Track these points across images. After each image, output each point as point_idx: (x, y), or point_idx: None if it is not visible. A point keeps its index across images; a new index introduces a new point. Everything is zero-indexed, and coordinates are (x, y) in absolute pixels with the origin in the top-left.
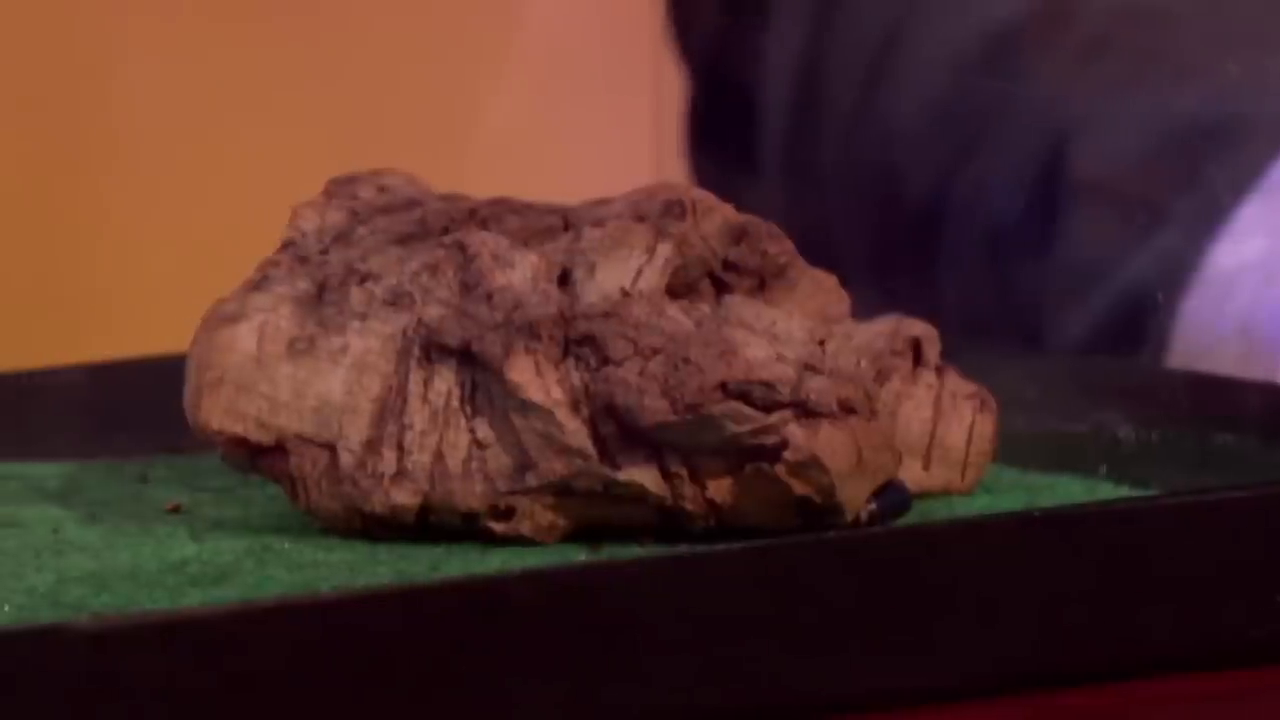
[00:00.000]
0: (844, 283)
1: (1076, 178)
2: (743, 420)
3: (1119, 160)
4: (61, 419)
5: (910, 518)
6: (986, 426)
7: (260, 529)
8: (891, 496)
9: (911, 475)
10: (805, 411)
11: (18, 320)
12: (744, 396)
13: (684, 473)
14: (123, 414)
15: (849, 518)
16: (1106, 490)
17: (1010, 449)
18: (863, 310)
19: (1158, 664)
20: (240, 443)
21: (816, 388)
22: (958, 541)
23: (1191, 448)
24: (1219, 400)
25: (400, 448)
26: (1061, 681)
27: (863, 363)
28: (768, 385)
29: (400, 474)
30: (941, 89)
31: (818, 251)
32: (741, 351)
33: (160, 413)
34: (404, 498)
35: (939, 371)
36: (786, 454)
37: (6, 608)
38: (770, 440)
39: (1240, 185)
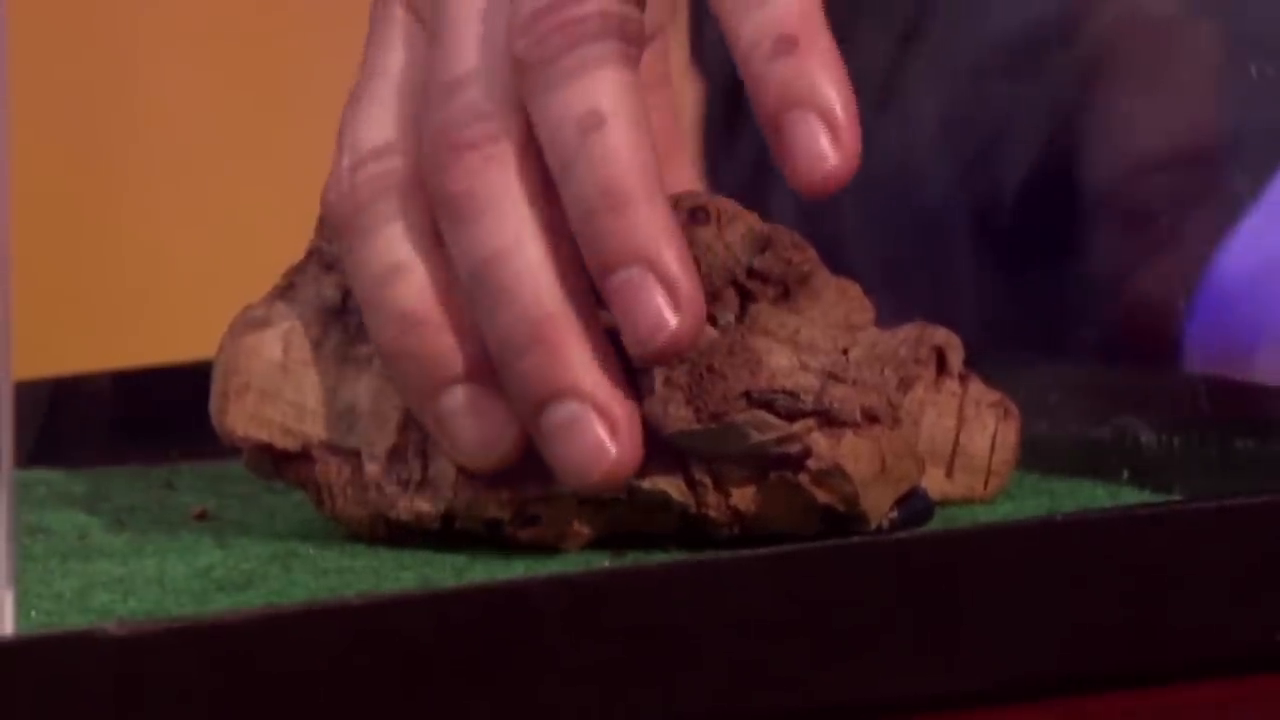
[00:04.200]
0: (865, 291)
1: (1092, 186)
2: (766, 429)
3: (1135, 168)
4: (88, 425)
5: (933, 525)
6: (1009, 435)
7: (285, 535)
8: (914, 505)
9: (934, 483)
10: (829, 420)
11: (45, 327)
12: (768, 405)
13: (708, 481)
14: (149, 420)
15: (872, 525)
16: (1129, 496)
17: (1033, 454)
18: (885, 318)
19: (1182, 670)
20: (265, 449)
21: (840, 396)
22: (981, 547)
23: (1214, 453)
24: (1241, 405)
25: (425, 455)
26: (1086, 688)
27: (886, 371)
28: (791, 394)
29: (425, 481)
30: (959, 98)
31: (835, 261)
32: (765, 360)
33: (186, 419)
34: (428, 505)
35: (962, 379)
36: (810, 462)
37: (34, 613)
38: (794, 449)
39: (1255, 191)
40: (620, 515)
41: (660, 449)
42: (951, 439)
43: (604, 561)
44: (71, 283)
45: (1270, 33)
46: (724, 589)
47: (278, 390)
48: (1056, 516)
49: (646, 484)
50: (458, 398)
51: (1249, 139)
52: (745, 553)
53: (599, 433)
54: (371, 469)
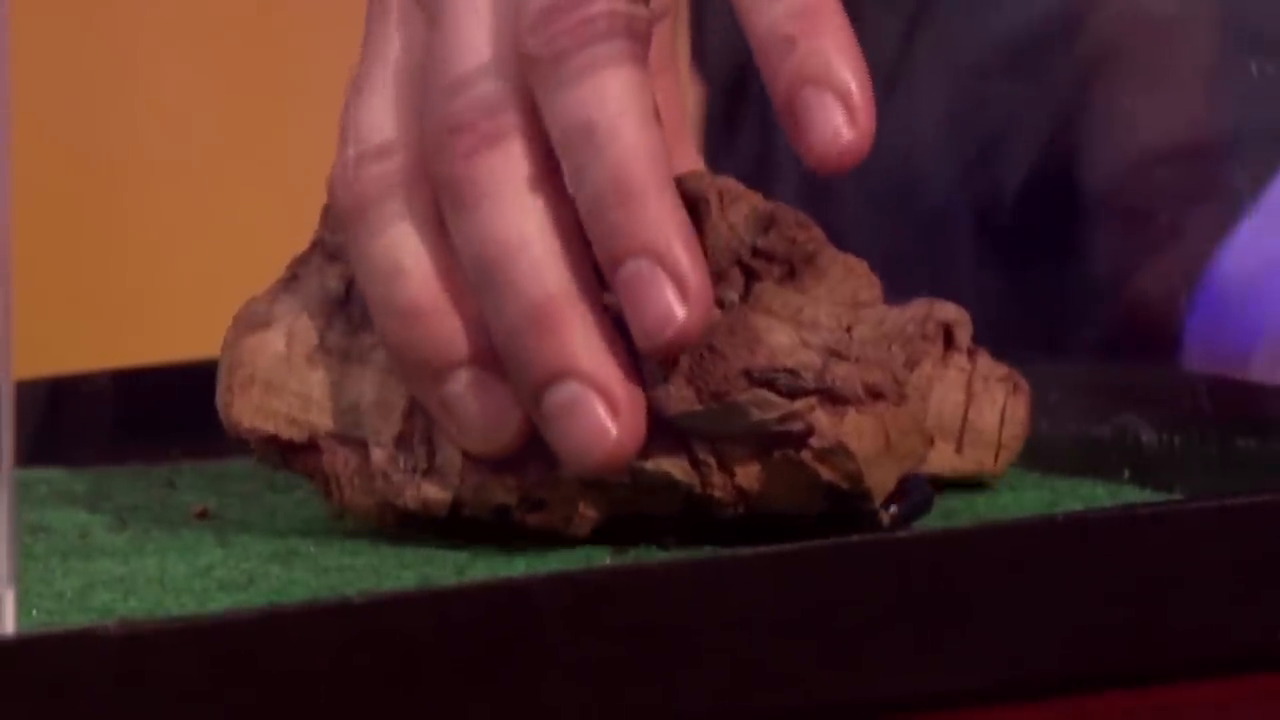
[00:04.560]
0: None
1: (1094, 184)
2: (768, 408)
3: (1136, 165)
4: (88, 425)
5: (934, 519)
6: (1019, 409)
7: (286, 533)
8: (914, 498)
9: (944, 458)
10: (831, 397)
11: (45, 327)
12: (769, 384)
13: (712, 461)
14: (149, 420)
15: (877, 503)
16: (1130, 494)
17: (1034, 453)
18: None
19: (1182, 670)
20: (272, 441)
21: (842, 374)
22: (981, 547)
23: (1214, 452)
24: (1241, 404)
25: (431, 443)
26: (1086, 688)
27: (893, 348)
28: (792, 372)
29: (431, 469)
30: (960, 93)
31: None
32: (766, 339)
33: (188, 418)
34: (435, 493)
35: (970, 355)
36: (812, 440)
37: (35, 612)
38: (796, 427)
39: (1255, 191)
40: (625, 497)
41: (663, 430)
42: (960, 414)
43: (605, 559)
44: (71, 283)
45: (1271, 32)
46: (725, 588)
47: (283, 382)
48: (1057, 516)
49: (650, 465)
50: (462, 383)
51: (1249, 138)
52: (746, 552)
53: (600, 414)
54: (378, 458)
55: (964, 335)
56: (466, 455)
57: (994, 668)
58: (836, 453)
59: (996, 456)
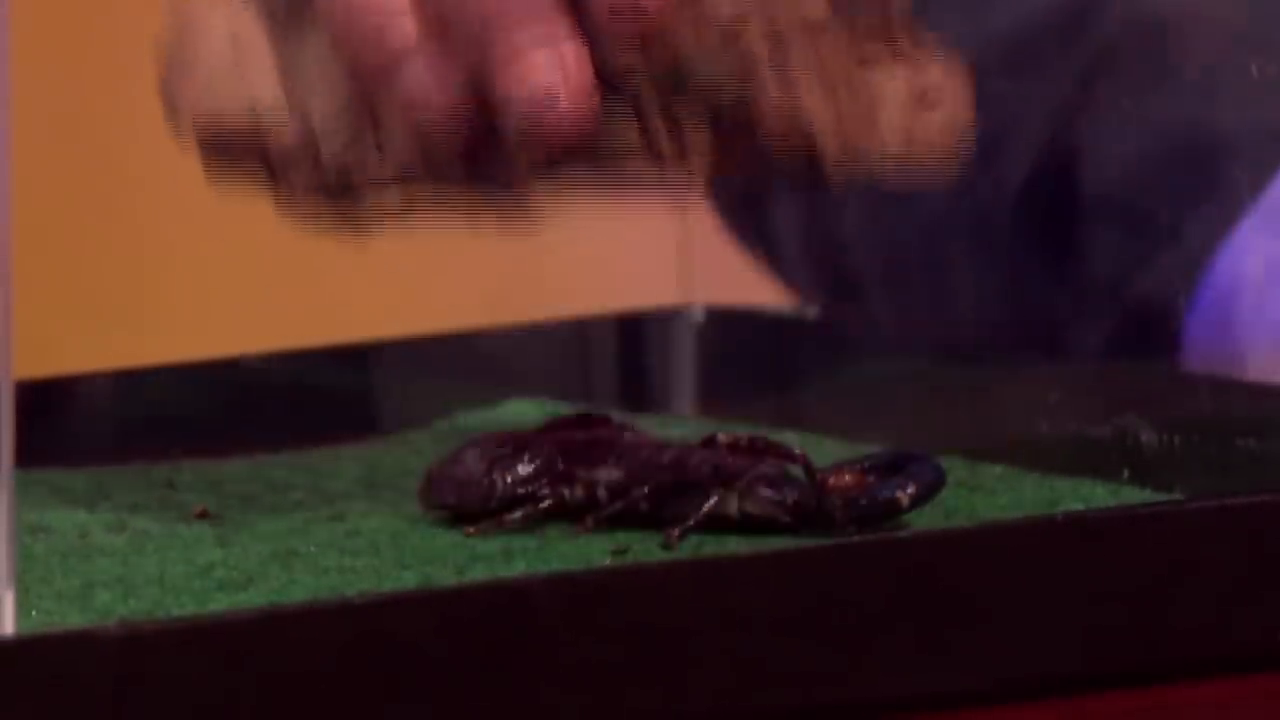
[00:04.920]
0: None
1: (1093, 184)
2: (717, 65)
3: (1131, 170)
4: (88, 425)
5: (934, 520)
6: (960, 90)
7: (286, 533)
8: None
9: (893, 140)
10: (782, 73)
11: (45, 327)
12: (720, 49)
13: (664, 129)
14: (149, 420)
15: (828, 176)
16: (1130, 495)
17: (1033, 454)
18: (887, 315)
19: (1182, 669)
20: (218, 130)
21: (791, 49)
22: (982, 546)
23: (1214, 452)
24: (1241, 404)
25: (378, 132)
26: (1086, 688)
27: (840, 44)
28: (739, 27)
29: (379, 158)
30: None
31: (838, 258)
32: (715, 13)
33: (188, 418)
34: (383, 179)
35: (918, 55)
36: (763, 106)
37: (34, 613)
38: (746, 95)
39: (1255, 192)
40: (575, 174)
41: (615, 101)
42: (907, 106)
43: (605, 560)
44: (71, 283)
45: (1271, 33)
46: (725, 588)
47: (227, 68)
48: (1057, 516)
49: (602, 135)
50: (410, 62)
51: (1249, 139)
52: (746, 551)
53: (551, 77)
54: (325, 146)
55: (910, 38)
56: (415, 143)
57: (994, 668)
58: (788, 118)
59: (943, 136)
